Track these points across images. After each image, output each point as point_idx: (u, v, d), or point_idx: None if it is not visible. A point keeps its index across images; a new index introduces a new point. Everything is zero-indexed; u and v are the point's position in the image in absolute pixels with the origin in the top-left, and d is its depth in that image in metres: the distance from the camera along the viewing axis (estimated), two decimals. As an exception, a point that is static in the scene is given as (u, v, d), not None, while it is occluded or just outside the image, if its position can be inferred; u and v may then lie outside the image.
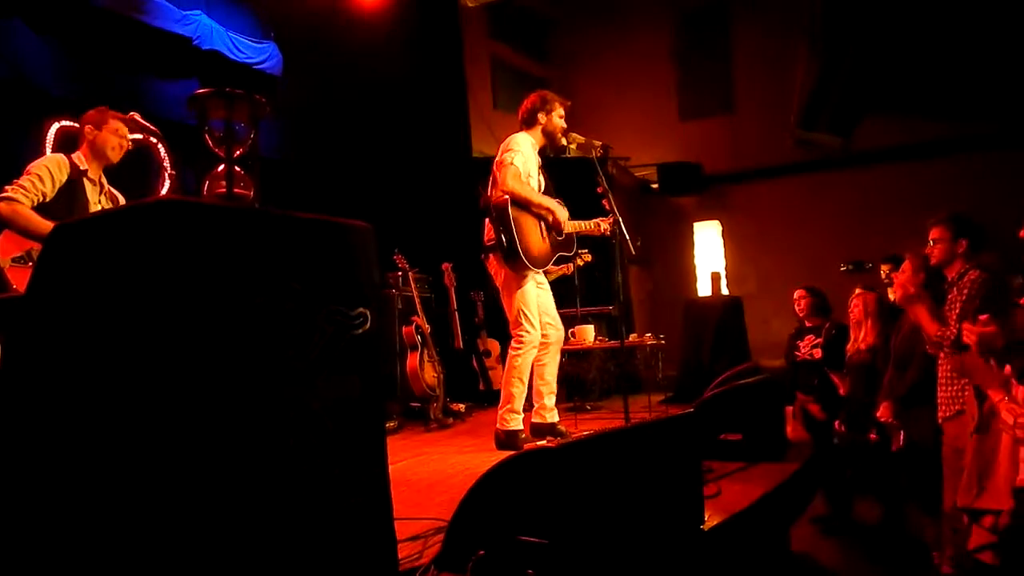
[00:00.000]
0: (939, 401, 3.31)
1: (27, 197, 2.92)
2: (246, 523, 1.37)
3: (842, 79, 7.68)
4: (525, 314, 3.73)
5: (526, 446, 3.64)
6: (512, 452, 3.66)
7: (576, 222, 3.94)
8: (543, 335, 3.82)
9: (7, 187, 2.93)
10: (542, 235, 3.78)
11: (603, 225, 3.94)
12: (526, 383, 3.77)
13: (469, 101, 8.08)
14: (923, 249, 3.48)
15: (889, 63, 7.54)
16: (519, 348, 3.74)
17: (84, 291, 1.42)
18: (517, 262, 3.64)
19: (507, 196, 3.64)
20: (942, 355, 3.28)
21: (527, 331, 3.72)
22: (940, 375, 3.32)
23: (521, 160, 3.71)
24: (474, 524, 1.92)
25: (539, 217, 3.79)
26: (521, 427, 3.76)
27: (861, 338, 4.40)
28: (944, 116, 8.00)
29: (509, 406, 3.73)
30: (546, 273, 3.95)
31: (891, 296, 4.33)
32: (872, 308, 4.37)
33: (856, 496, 4.39)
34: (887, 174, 8.43)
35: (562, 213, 3.80)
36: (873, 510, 4.29)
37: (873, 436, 3.99)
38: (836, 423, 4.30)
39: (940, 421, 3.29)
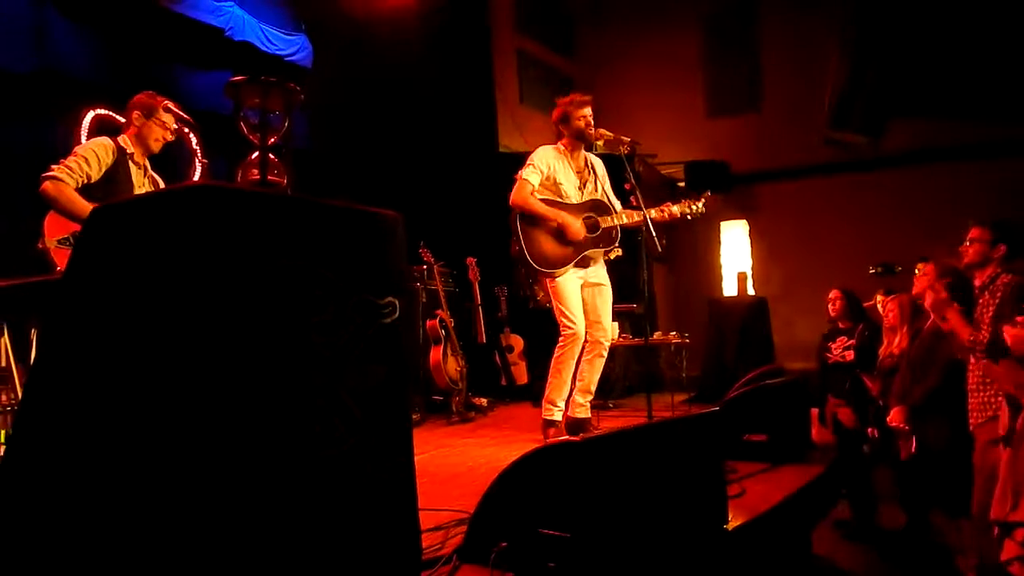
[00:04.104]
0: (970, 407, 3.25)
1: (72, 178, 2.94)
2: (274, 508, 1.38)
3: (872, 79, 7.58)
4: (561, 310, 3.83)
5: (549, 440, 3.71)
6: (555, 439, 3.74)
7: (624, 215, 3.93)
8: (587, 333, 3.89)
9: (53, 167, 2.94)
10: (561, 238, 3.84)
11: (636, 216, 3.95)
12: (565, 377, 3.86)
13: (496, 96, 8.07)
14: (955, 250, 3.43)
15: (919, 64, 7.44)
16: (560, 342, 3.86)
17: (119, 273, 1.44)
18: (530, 268, 3.80)
19: (513, 209, 3.82)
20: (973, 360, 3.22)
21: (567, 326, 3.82)
22: (971, 381, 3.26)
23: (533, 172, 3.84)
24: (497, 516, 1.92)
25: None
26: (556, 418, 3.87)
27: (896, 342, 4.33)
28: (974, 119, 7.86)
29: (546, 396, 3.89)
30: (589, 262, 3.93)
31: (913, 293, 4.26)
32: (907, 313, 4.31)
33: (880, 501, 4.34)
34: (916, 177, 8.30)
35: (573, 224, 3.82)
36: (897, 516, 4.23)
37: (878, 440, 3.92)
38: (870, 430, 4.23)
39: (972, 428, 3.24)
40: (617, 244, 4.00)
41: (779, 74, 9.20)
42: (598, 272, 3.96)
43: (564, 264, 3.82)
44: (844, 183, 8.78)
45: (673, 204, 3.94)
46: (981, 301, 3.23)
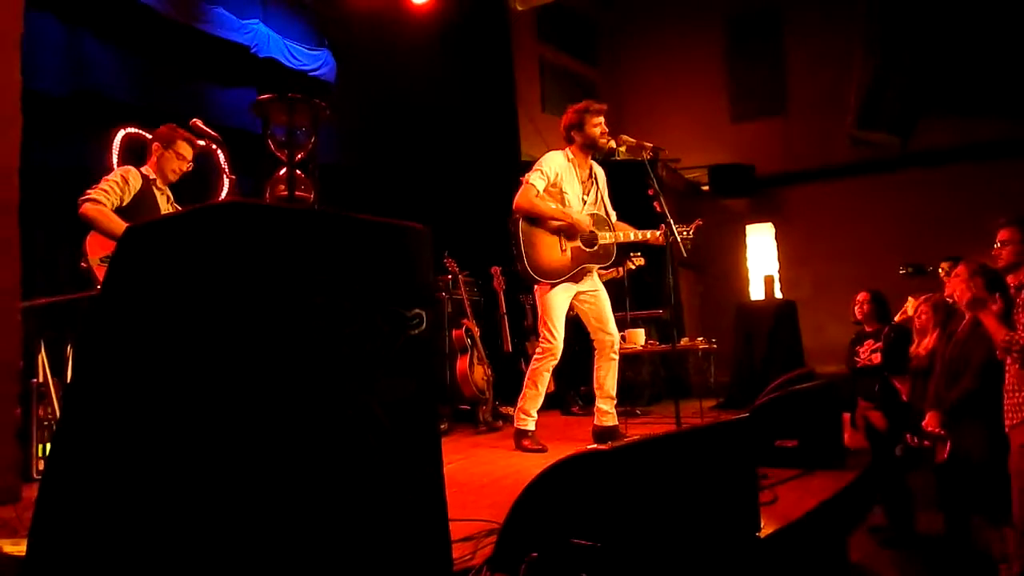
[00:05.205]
0: (1006, 409, 3.19)
1: (109, 199, 3.15)
2: (305, 518, 1.39)
3: (899, 77, 7.48)
4: (544, 322, 3.87)
5: (525, 448, 3.84)
6: (521, 447, 3.84)
7: (621, 232, 3.95)
8: (595, 340, 3.95)
9: (89, 190, 3.12)
10: (561, 248, 3.86)
11: (651, 234, 3.95)
12: (540, 389, 3.91)
13: (518, 104, 8.09)
14: (991, 251, 3.36)
15: (946, 61, 7.32)
16: (538, 354, 3.92)
17: (154, 289, 1.47)
18: (526, 275, 3.84)
19: (516, 212, 3.84)
20: (1009, 361, 3.16)
21: (546, 339, 3.87)
22: (1007, 382, 3.20)
23: (539, 178, 3.86)
24: (527, 526, 1.92)
25: (557, 232, 3.86)
26: (530, 428, 3.91)
27: (925, 344, 4.26)
28: (1004, 116, 7.72)
29: (519, 406, 3.94)
30: (584, 275, 3.93)
31: (945, 294, 4.18)
32: (941, 315, 4.24)
33: (917, 506, 4.25)
34: (944, 176, 8.16)
35: (584, 223, 3.84)
36: (935, 521, 4.15)
37: (927, 443, 3.85)
38: (908, 436, 4.16)
39: (1007, 429, 3.17)
40: (617, 256, 4.02)
41: (804, 75, 9.13)
42: (591, 281, 3.97)
43: (559, 276, 3.84)
44: (872, 183, 8.67)
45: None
46: (1019, 301, 3.17)
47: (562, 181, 3.91)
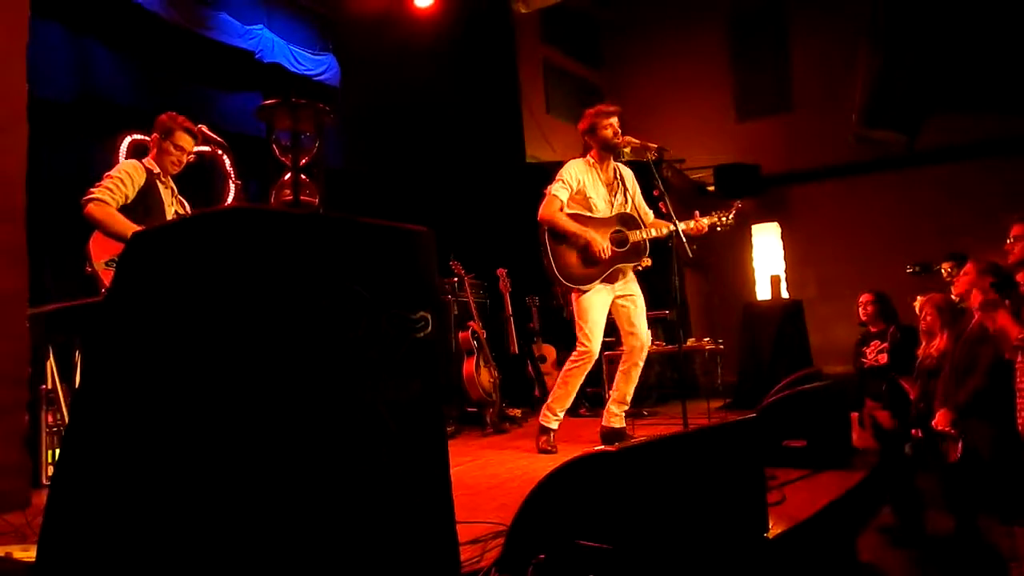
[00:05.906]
0: (1019, 407, 3.17)
1: (113, 199, 3.07)
2: (315, 521, 1.40)
3: (905, 75, 7.45)
4: (580, 327, 3.88)
5: (540, 447, 3.85)
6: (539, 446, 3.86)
7: (654, 228, 3.95)
8: (623, 343, 3.98)
9: (92, 189, 3.06)
10: (588, 256, 3.86)
11: (664, 229, 3.95)
12: (570, 390, 3.92)
13: (522, 107, 8.10)
14: (997, 249, 3.35)
15: (952, 59, 7.29)
16: (574, 357, 3.90)
17: (160, 295, 1.48)
18: (558, 283, 3.89)
19: (541, 224, 3.88)
20: (1021, 358, 3.15)
21: (583, 343, 3.86)
22: (1020, 380, 3.18)
23: (561, 188, 3.88)
24: (534, 528, 1.92)
25: (581, 245, 3.86)
26: (552, 427, 3.91)
27: (935, 344, 4.24)
28: (1010, 113, 7.68)
29: (548, 403, 3.95)
30: (619, 276, 3.94)
31: (953, 294, 4.17)
32: (947, 316, 4.21)
33: (928, 506, 4.23)
34: (952, 173, 8.13)
35: (599, 243, 3.83)
36: (945, 521, 4.12)
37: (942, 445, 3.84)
38: (914, 431, 4.15)
39: (1021, 428, 3.16)
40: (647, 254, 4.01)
41: (809, 73, 9.09)
42: (628, 284, 3.97)
43: (592, 280, 3.85)
44: (878, 182, 8.64)
45: (703, 216, 3.93)
46: (1029, 298, 3.16)
47: (586, 187, 3.93)
